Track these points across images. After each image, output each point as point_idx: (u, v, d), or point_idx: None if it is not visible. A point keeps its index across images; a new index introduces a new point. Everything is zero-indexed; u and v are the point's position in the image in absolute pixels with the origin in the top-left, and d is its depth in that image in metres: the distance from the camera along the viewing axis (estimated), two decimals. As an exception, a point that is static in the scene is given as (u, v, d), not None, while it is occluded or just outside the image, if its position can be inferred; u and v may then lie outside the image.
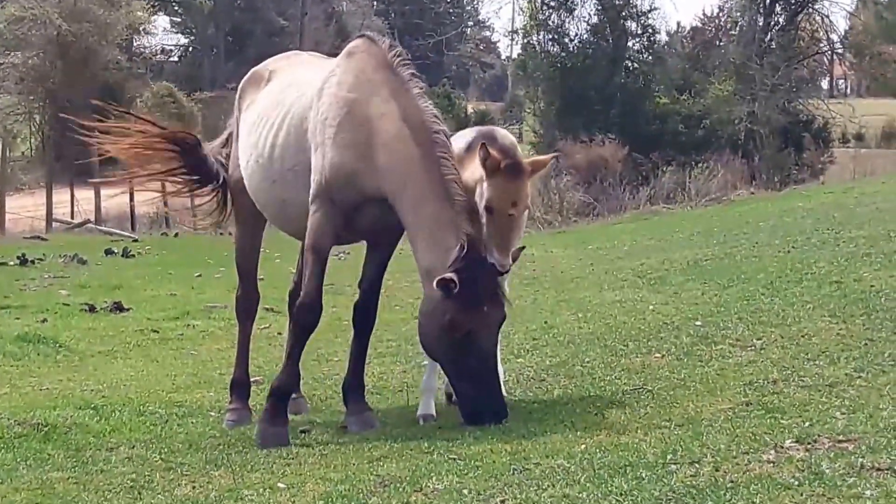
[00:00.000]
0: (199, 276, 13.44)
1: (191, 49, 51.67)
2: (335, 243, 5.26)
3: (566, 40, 32.82)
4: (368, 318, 5.32)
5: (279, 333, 6.30)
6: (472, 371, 4.68)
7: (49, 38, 37.31)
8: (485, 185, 4.64)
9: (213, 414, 5.87)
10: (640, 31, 33.12)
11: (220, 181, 6.04)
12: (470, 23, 64.77)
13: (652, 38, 33.52)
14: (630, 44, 33.17)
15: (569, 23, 32.72)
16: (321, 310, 5.18)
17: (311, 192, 5.07)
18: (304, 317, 5.15)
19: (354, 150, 4.94)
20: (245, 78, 6.02)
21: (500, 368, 5.17)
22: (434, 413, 5.05)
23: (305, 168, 5.14)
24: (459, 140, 5.07)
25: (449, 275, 4.57)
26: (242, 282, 5.99)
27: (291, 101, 5.36)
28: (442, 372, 5.03)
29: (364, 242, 5.44)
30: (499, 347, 5.08)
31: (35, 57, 38.54)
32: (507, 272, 4.75)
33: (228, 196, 6.02)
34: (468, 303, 4.59)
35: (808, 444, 3.75)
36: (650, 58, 33.49)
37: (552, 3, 32.61)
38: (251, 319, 6.01)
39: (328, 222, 5.03)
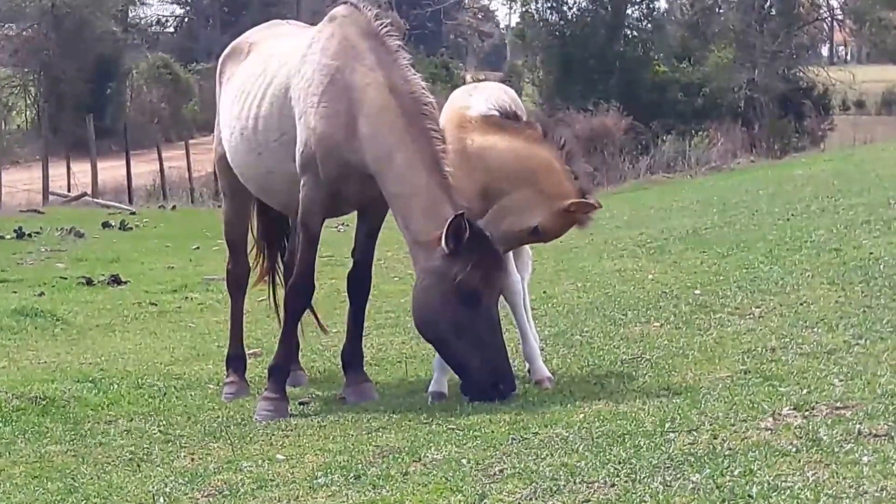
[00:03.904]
0: (197, 248, 13.43)
1: (186, 20, 51.25)
2: (326, 216, 5.21)
3: (564, 8, 32.55)
4: (363, 288, 5.29)
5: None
6: (484, 338, 4.54)
7: (43, 10, 37.07)
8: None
9: (211, 386, 5.87)
10: (639, -1, 32.84)
11: None
12: (468, -9, 64.12)
13: (651, 6, 33.27)
14: (629, 11, 32.90)
15: (567, -10, 32.44)
16: (313, 290, 5.15)
17: (298, 164, 5.01)
18: (296, 298, 5.13)
19: (337, 119, 4.86)
20: (225, 52, 5.94)
21: (534, 332, 5.10)
22: (445, 391, 4.89)
23: (291, 138, 5.07)
24: (480, 102, 4.85)
25: (464, 216, 4.43)
26: (232, 255, 5.97)
27: (274, 71, 5.28)
28: None
29: (355, 212, 5.39)
30: (529, 312, 5.04)
31: (29, 29, 38.29)
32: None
33: None
34: (476, 262, 4.49)
35: (806, 411, 3.74)
36: (649, 25, 33.22)
37: (550, -29, 32.31)
38: (242, 292, 5.99)
39: (317, 195, 4.97)
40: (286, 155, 5.11)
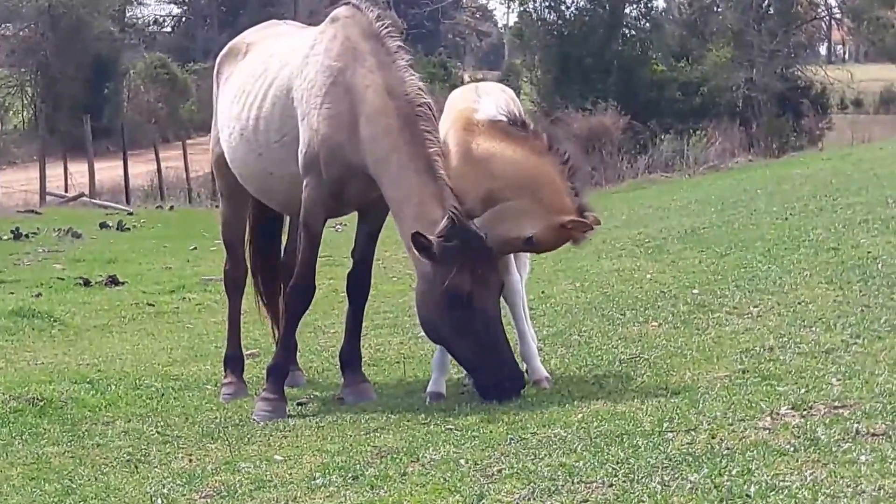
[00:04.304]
0: (195, 248, 13.43)
1: (184, 19, 51.23)
2: (329, 216, 5.22)
3: (562, 7, 32.56)
4: (362, 288, 5.30)
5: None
6: (480, 339, 4.56)
7: (40, 10, 37.07)
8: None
9: (209, 387, 5.87)
10: (636, -2, 32.85)
11: None
12: (466, -9, 64.09)
13: (649, 5, 33.27)
14: (627, 10, 32.90)
15: (565, -11, 32.45)
16: (314, 291, 5.15)
17: (301, 164, 5.02)
18: (297, 299, 5.13)
19: (339, 120, 4.87)
20: (222, 52, 5.95)
21: (531, 332, 5.12)
22: (444, 392, 4.90)
23: (292, 139, 5.09)
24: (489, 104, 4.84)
25: (421, 233, 4.46)
26: (230, 255, 5.97)
27: (275, 72, 5.28)
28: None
29: (356, 212, 5.39)
30: (526, 312, 5.07)
31: (26, 29, 38.29)
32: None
33: None
34: (462, 265, 4.50)
35: (804, 410, 3.75)
36: (647, 24, 33.23)
37: (548, -30, 32.32)
38: (240, 293, 5.99)
39: (320, 196, 4.99)
40: (287, 156, 5.11)
